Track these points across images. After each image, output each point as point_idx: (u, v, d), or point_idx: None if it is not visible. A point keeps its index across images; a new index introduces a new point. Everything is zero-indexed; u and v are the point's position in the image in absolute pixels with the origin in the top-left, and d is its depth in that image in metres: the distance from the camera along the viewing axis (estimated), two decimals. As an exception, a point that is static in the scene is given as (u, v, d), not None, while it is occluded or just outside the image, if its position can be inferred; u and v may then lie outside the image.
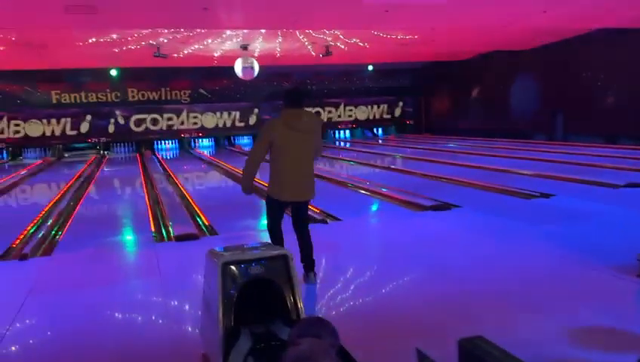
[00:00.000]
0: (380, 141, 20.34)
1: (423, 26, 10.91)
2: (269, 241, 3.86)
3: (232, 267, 2.24)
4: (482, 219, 5.82)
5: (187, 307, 3.60)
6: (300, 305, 2.26)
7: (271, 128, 3.72)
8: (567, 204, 6.39)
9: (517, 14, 10.13)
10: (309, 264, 3.90)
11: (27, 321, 3.46)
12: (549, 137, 15.36)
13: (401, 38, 12.72)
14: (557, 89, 14.83)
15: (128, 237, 6.09)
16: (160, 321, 3.37)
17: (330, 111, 21.25)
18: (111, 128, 18.85)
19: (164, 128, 19.42)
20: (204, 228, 5.94)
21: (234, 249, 2.44)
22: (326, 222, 5.87)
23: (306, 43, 12.96)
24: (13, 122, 17.88)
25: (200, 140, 20.09)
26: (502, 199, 6.99)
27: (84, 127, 18.61)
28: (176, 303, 3.70)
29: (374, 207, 7.24)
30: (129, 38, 11.17)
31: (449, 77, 20.12)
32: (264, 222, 6.37)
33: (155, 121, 19.29)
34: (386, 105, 22.03)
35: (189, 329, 3.17)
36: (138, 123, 19.13)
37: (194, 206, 7.28)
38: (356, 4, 8.34)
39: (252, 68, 13.58)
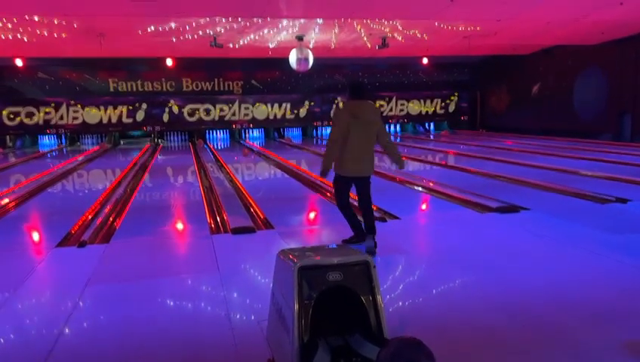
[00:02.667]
0: (432, 136, 19.81)
1: (489, 17, 10.39)
2: (349, 216, 4.62)
3: (310, 272, 2.04)
4: (554, 225, 5.40)
5: (248, 302, 3.44)
6: (383, 317, 2.04)
7: (341, 116, 4.44)
8: (648, 211, 5.88)
9: (590, 6, 9.48)
10: (371, 230, 4.55)
11: (86, 309, 3.40)
12: (615, 137, 14.47)
13: (462, 30, 12.21)
14: (624, 87, 13.92)
15: (185, 226, 6.04)
16: (221, 317, 3.22)
17: (381, 105, 20.86)
18: (165, 117, 19.18)
19: (217, 118, 19.60)
20: (259, 221, 5.82)
21: (309, 251, 2.24)
22: (385, 220, 5.62)
23: (363, 34, 12.65)
24: (72, 108, 18.46)
25: (250, 131, 20.18)
26: (573, 202, 6.52)
27: (140, 116, 19.02)
28: (237, 298, 3.55)
29: (435, 207, 6.92)
30: (187, 27, 11.20)
31: (507, 72, 19.33)
32: (318, 216, 6.15)
33: (207, 112, 19.50)
34: (439, 100, 21.44)
35: (253, 328, 3.00)
36: (191, 113, 19.38)
37: (248, 197, 7.19)
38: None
39: (307, 59, 13.40)
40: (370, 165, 4.56)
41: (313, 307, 2.02)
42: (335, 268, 2.05)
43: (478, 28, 12.00)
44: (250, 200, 6.95)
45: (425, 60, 18.65)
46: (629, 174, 8.34)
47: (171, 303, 3.53)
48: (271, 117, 20.05)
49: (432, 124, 22.06)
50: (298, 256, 2.15)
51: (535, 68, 17.79)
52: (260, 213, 6.15)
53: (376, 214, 5.79)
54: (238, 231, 5.24)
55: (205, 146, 17.12)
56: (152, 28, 11.03)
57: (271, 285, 2.49)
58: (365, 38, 13.13)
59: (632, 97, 13.80)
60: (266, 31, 11.93)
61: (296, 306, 1.99)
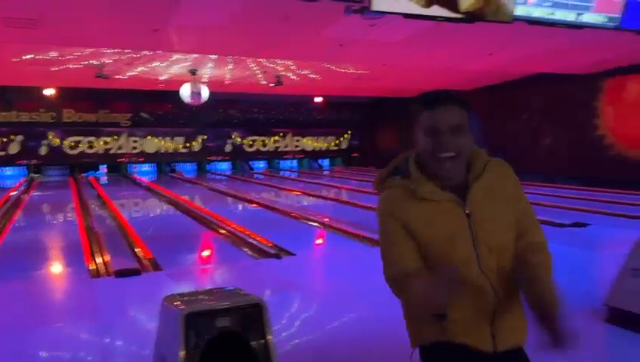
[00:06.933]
0: (327, 172, 20.32)
1: (375, 61, 11.03)
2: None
3: (197, 319, 1.93)
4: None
5: (134, 350, 3.18)
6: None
7: None
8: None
9: (464, 57, 10.45)
10: None
11: None
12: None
13: (352, 72, 12.82)
14: (499, 128, 15.43)
15: (62, 270, 5.52)
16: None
17: (276, 141, 21.07)
18: (43, 150, 17.72)
19: (101, 152, 18.50)
20: (145, 262, 5.49)
21: (196, 295, 2.14)
22: (280, 257, 5.58)
23: (257, 72, 12.79)
24: None
25: (139, 166, 19.28)
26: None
27: (14, 148, 17.38)
28: (121, 346, 3.27)
29: (329, 241, 7.02)
30: (69, 57, 10.56)
31: (396, 112, 20.54)
32: (211, 255, 5.96)
33: (91, 144, 18.35)
34: (333, 138, 22.15)
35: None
36: (73, 146, 18.12)
37: (134, 237, 6.78)
38: (313, 37, 8.28)
39: (200, 93, 13.21)
40: None
41: (201, 356, 1.91)
42: (224, 313, 1.96)
43: (366, 71, 12.67)
44: (137, 240, 6.56)
45: (319, 99, 19.29)
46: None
47: (46, 355, 3.17)
48: (162, 151, 19.34)
49: (326, 161, 22.65)
50: (184, 301, 2.04)
51: (419, 109, 19.11)
52: (147, 254, 5.81)
53: (270, 251, 5.76)
54: (121, 273, 4.89)
55: (87, 181, 16.02)
56: (31, 56, 10.25)
57: (155, 333, 2.33)
58: (260, 76, 13.29)
59: (501, 138, 15.30)
60: (156, 63, 11.61)
61: (182, 356, 1.87)
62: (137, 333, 3.58)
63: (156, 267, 5.26)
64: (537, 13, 4.23)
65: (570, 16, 4.34)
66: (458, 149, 1.59)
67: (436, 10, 4.06)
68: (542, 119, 14.09)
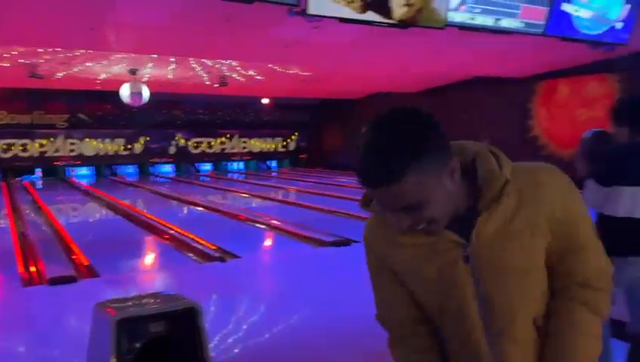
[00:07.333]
0: (274, 174, 20.26)
1: (320, 63, 11.11)
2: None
3: (130, 325, 1.88)
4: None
5: (72, 360, 3.06)
6: (210, 366, 1.96)
7: None
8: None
9: (407, 60, 10.71)
10: None
11: None
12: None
13: (297, 74, 12.84)
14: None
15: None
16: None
17: (223, 143, 20.80)
18: (-29, 153, 16.70)
19: (36, 155, 17.63)
20: (82, 268, 5.29)
21: (129, 301, 2.08)
22: (224, 260, 5.52)
23: (201, 72, 12.58)
24: None
25: (77, 169, 18.50)
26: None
27: (-63, 151, 16.29)
28: (57, 356, 3.14)
29: (274, 243, 7.01)
30: (3, 55, 10.01)
31: (342, 114, 20.76)
32: (151, 260, 5.82)
33: (25, 147, 17.45)
34: (281, 139, 22.09)
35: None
36: (5, 149, 17.17)
37: (70, 243, 6.51)
38: (257, 38, 8.24)
39: (141, 94, 12.84)
40: None
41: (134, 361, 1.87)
42: (158, 318, 1.93)
43: (310, 73, 12.74)
44: (74, 246, 6.31)
45: (266, 100, 19.19)
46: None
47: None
48: (102, 153, 18.64)
49: (274, 162, 22.57)
50: (116, 307, 1.98)
51: (365, 111, 19.39)
52: (83, 260, 5.60)
53: (214, 254, 5.68)
54: (56, 281, 4.69)
55: (22, 186, 15.22)
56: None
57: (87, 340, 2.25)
58: (204, 76, 13.08)
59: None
60: (94, 63, 11.20)
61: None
62: (71, 342, 3.44)
63: (93, 274, 5.08)
64: (459, 18, 4.41)
65: (489, 22, 4.57)
66: (428, 219, 1.09)
67: (371, 16, 4.15)
68: (481, 121, 14.65)
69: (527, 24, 4.90)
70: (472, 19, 4.47)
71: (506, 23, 4.68)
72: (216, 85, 13.64)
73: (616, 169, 2.41)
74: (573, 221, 1.14)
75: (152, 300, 2.09)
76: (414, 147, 1.02)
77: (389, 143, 1.03)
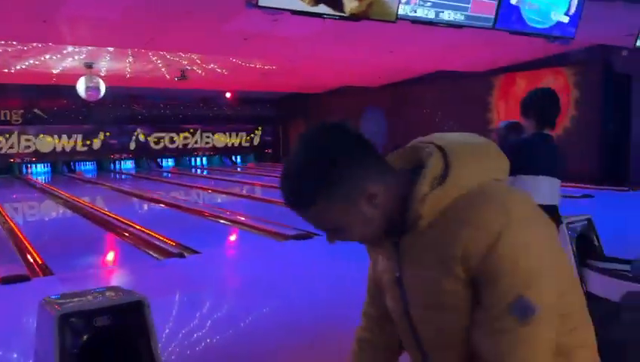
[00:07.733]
0: (239, 169, 20.11)
1: (281, 57, 11.08)
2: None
3: (74, 319, 1.86)
4: (345, 247, 5.87)
5: (16, 360, 2.99)
6: (159, 360, 1.96)
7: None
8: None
9: (366, 54, 10.79)
10: None
11: None
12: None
13: (259, 68, 12.77)
14: (401, 123, 16.11)
15: None
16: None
17: (186, 138, 20.49)
18: None
19: (-10, 152, 16.98)
20: (36, 267, 5.15)
21: (74, 296, 2.05)
22: (184, 256, 5.46)
23: (160, 65, 12.36)
24: None
25: (33, 166, 17.91)
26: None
27: None
28: (9, 356, 3.06)
29: (236, 238, 6.98)
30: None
31: (306, 108, 20.77)
32: (109, 258, 5.72)
33: (-23, 144, 16.78)
34: (244, 133, 21.92)
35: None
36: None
37: (24, 241, 6.32)
38: (215, 30, 8.15)
39: (98, 88, 12.52)
40: None
41: (78, 356, 1.85)
42: (103, 312, 1.91)
43: (274, 67, 12.68)
44: (27, 245, 6.13)
45: (228, 95, 18.99)
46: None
47: None
48: (58, 149, 18.09)
49: (238, 157, 22.39)
50: (61, 302, 1.96)
51: (329, 105, 19.45)
52: (38, 259, 5.45)
53: (173, 250, 5.62)
54: (8, 280, 4.56)
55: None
56: None
57: (34, 338, 2.21)
58: (164, 70, 12.85)
59: (404, 132, 15.99)
60: (48, 56, 10.86)
61: (58, 357, 1.80)
62: (22, 340, 3.36)
63: (48, 272, 4.96)
64: (410, 12, 4.52)
65: (440, 16, 4.69)
66: (352, 241, 1.10)
67: (323, 9, 4.19)
68: (443, 114, 14.91)
69: (477, 18, 5.03)
70: (424, 13, 4.56)
71: (456, 16, 4.79)
72: (176, 78, 13.43)
73: (514, 161, 2.63)
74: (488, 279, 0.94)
75: (100, 295, 2.06)
76: (324, 174, 0.98)
77: (300, 169, 1.02)
